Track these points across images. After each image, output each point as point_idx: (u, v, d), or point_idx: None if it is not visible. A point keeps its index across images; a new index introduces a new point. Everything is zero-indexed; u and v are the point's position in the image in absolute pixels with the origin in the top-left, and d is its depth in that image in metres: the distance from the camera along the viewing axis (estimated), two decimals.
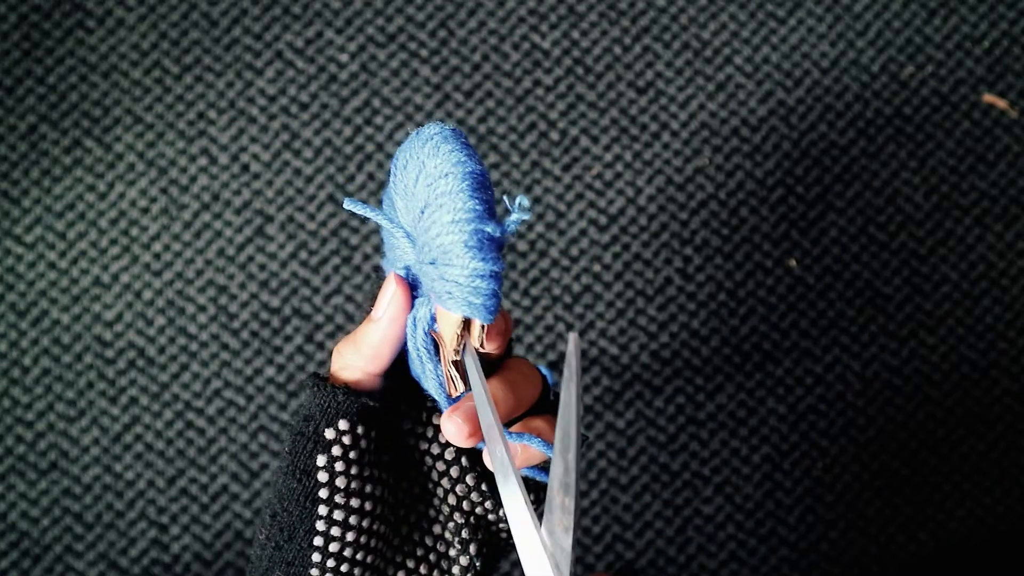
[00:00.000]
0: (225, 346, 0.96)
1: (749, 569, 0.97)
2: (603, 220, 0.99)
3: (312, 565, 0.44)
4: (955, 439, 0.99)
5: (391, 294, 0.44)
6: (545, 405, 0.46)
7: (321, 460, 0.43)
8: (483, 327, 0.42)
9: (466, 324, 0.42)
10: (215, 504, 0.95)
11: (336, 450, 0.43)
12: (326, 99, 0.99)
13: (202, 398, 0.96)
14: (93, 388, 0.95)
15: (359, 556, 0.44)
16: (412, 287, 0.44)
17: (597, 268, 0.99)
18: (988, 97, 1.02)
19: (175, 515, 0.95)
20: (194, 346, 0.96)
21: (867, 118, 1.01)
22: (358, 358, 0.44)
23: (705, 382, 0.98)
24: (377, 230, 0.98)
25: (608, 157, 1.00)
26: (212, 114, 0.99)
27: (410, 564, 0.46)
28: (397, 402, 0.47)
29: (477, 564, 0.46)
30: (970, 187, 1.01)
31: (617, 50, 1.01)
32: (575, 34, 1.01)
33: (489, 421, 0.41)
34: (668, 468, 0.97)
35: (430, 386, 0.44)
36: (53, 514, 0.94)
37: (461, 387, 0.44)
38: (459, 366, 0.43)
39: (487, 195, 0.42)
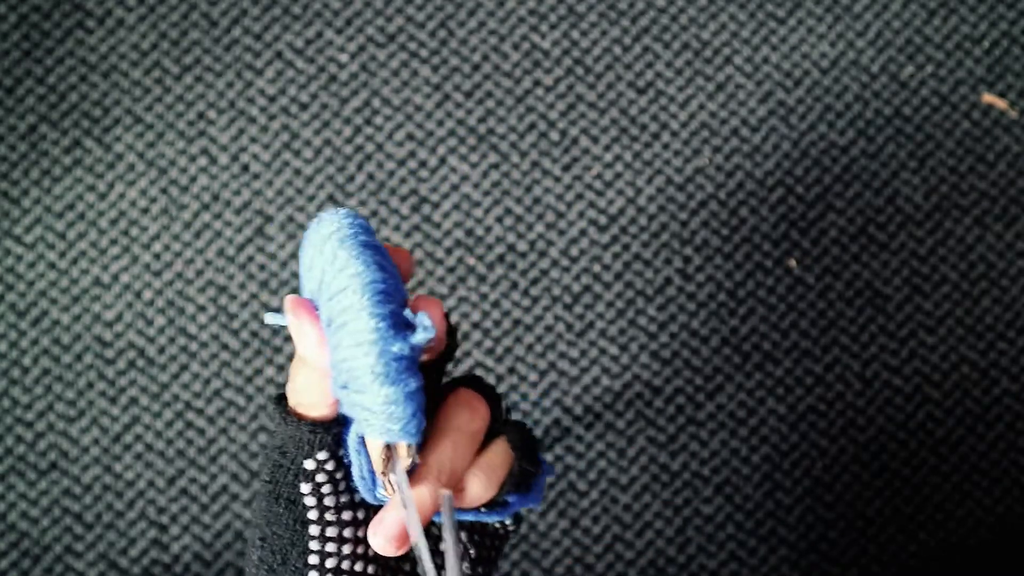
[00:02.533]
0: (225, 346, 0.96)
1: (749, 569, 0.97)
2: (603, 220, 0.99)
3: None
4: (955, 439, 0.99)
5: (300, 332, 0.39)
6: (497, 428, 0.44)
7: (306, 488, 0.42)
8: (410, 445, 0.39)
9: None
10: (215, 504, 0.95)
11: (320, 477, 0.41)
12: (326, 99, 0.99)
13: (202, 398, 0.96)
14: (93, 388, 0.95)
15: (357, 567, 0.43)
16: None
17: (597, 268, 0.99)
18: (988, 97, 1.02)
19: (175, 515, 0.95)
20: (194, 346, 0.96)
21: (867, 118, 1.01)
22: (310, 398, 0.41)
23: (705, 382, 0.98)
24: (377, 230, 0.98)
25: (608, 157, 1.00)
26: (212, 114, 0.99)
27: (406, 566, 0.45)
28: None
29: (471, 550, 0.46)
30: (970, 187, 1.01)
31: (617, 50, 1.01)
32: (575, 34, 1.01)
33: (416, 533, 0.39)
34: (668, 468, 0.97)
35: (358, 483, 0.42)
36: (53, 514, 0.94)
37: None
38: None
39: (392, 304, 0.38)
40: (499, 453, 0.43)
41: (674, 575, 0.96)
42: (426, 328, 0.38)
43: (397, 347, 0.38)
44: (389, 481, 0.40)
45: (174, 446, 0.95)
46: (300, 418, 0.41)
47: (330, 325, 0.39)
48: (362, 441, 0.41)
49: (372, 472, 0.41)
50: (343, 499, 0.42)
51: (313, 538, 0.42)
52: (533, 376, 0.98)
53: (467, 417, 0.42)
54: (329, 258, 0.39)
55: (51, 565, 0.94)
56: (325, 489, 0.42)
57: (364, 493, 0.42)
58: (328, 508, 0.42)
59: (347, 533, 0.42)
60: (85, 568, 0.94)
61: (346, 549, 0.42)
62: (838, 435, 0.98)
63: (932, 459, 0.98)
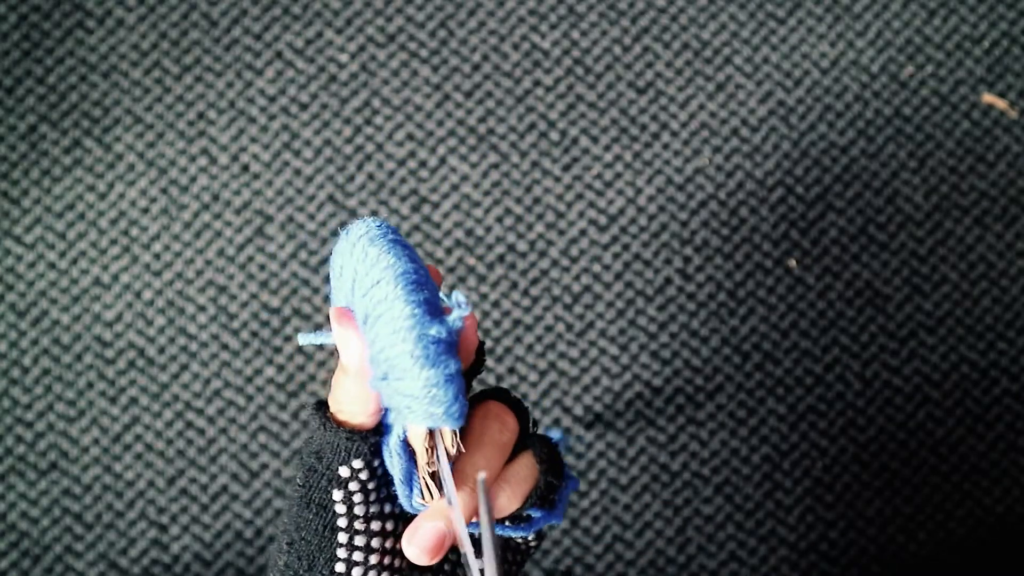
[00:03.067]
0: (225, 346, 0.96)
1: (749, 569, 0.97)
2: (603, 220, 0.99)
3: None
4: (955, 439, 0.99)
5: (346, 342, 0.40)
6: (524, 441, 0.44)
7: (338, 495, 0.42)
8: (455, 432, 0.40)
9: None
10: (215, 504, 0.95)
11: (353, 485, 0.42)
12: (326, 99, 0.99)
13: (202, 398, 0.96)
14: (93, 388, 0.95)
15: None
16: None
17: (597, 268, 0.99)
18: (988, 97, 1.02)
19: (175, 515, 0.95)
20: (194, 346, 0.96)
21: (867, 118, 1.01)
22: (351, 407, 0.41)
23: (705, 382, 0.98)
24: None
25: (608, 157, 1.00)
26: (212, 114, 0.99)
27: None
28: None
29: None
30: (970, 187, 1.01)
31: (617, 50, 1.01)
32: (575, 34, 1.01)
33: (461, 528, 0.39)
34: (668, 468, 0.97)
35: (398, 488, 0.42)
36: (53, 514, 0.94)
37: (437, 495, 0.41)
38: (435, 475, 0.41)
39: (426, 292, 0.39)
40: (525, 466, 0.43)
41: (674, 575, 0.96)
42: (461, 305, 0.39)
43: (435, 330, 0.38)
44: (428, 479, 0.40)
45: (174, 446, 0.95)
46: (339, 424, 0.41)
47: (366, 321, 0.39)
48: (404, 444, 0.41)
49: (411, 476, 0.41)
50: (373, 509, 0.42)
51: (341, 545, 0.42)
52: (533, 376, 0.98)
53: (497, 429, 0.42)
54: (360, 256, 0.40)
55: (51, 565, 0.94)
56: (357, 498, 0.42)
57: (402, 499, 0.42)
58: (358, 517, 0.42)
59: (375, 543, 0.42)
60: (85, 568, 0.94)
61: (373, 559, 0.42)
62: (838, 435, 0.98)
63: (932, 459, 0.98)
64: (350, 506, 0.42)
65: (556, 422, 0.97)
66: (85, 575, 0.94)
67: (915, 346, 0.99)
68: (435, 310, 0.39)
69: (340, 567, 0.42)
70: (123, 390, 0.96)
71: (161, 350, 0.96)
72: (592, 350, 0.98)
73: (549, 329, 0.98)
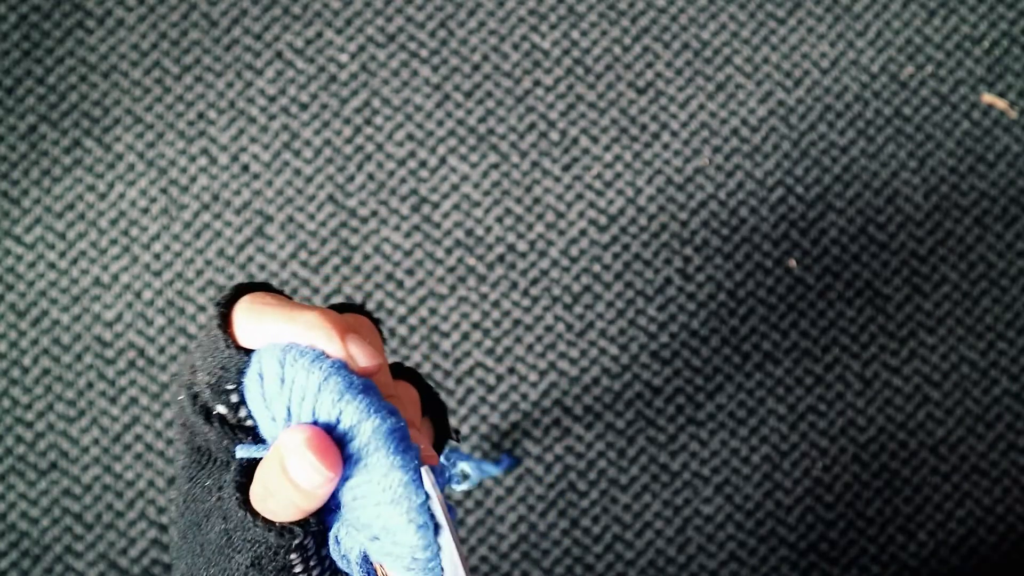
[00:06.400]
0: None
1: (749, 569, 0.97)
2: (603, 220, 0.99)
3: None
4: (955, 439, 0.99)
5: (327, 479, 0.37)
6: (428, 407, 0.45)
7: (294, 556, 0.41)
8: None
9: None
10: None
11: (307, 541, 0.41)
12: (326, 99, 0.99)
13: None
14: (93, 388, 0.95)
15: None
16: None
17: (597, 268, 0.99)
18: (987, 97, 1.02)
19: None
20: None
21: (867, 118, 1.01)
22: (288, 516, 0.39)
23: (705, 382, 0.98)
24: (377, 230, 0.98)
25: (608, 157, 1.00)
26: (212, 114, 0.99)
27: None
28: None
29: None
30: (970, 187, 1.01)
31: (617, 50, 1.01)
32: (575, 34, 1.01)
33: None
34: (668, 468, 0.97)
35: None
36: (53, 514, 0.94)
37: None
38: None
39: (412, 448, 0.37)
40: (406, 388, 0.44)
41: (674, 575, 0.96)
42: (468, 478, 0.38)
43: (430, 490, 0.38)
44: None
45: (174, 446, 0.95)
46: (283, 525, 0.40)
47: (346, 480, 0.38)
48: (365, 558, 0.40)
49: None
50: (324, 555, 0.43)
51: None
52: (533, 376, 0.98)
53: (407, 403, 0.43)
54: (332, 413, 0.37)
55: (51, 565, 0.94)
56: (310, 551, 0.42)
57: None
58: (311, 557, 0.42)
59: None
60: (85, 568, 0.94)
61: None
62: (838, 435, 0.98)
63: (932, 459, 0.98)
64: (306, 559, 0.42)
65: (556, 422, 0.97)
66: (85, 575, 0.94)
67: (915, 346, 0.99)
68: (417, 455, 0.37)
69: None
70: (123, 390, 0.96)
71: (161, 350, 0.96)
72: (592, 350, 0.98)
73: (549, 329, 0.98)
